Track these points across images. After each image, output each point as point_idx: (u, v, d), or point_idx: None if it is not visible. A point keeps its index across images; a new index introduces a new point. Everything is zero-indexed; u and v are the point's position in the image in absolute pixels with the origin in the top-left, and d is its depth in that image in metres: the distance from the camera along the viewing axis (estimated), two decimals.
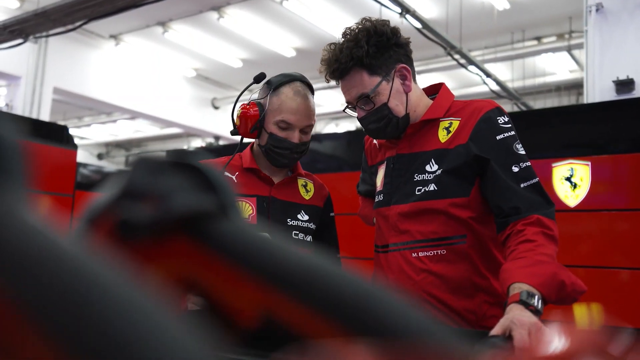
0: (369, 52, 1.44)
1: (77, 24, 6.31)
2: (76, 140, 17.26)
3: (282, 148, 1.62)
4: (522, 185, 1.38)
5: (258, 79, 1.69)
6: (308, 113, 1.64)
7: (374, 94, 1.47)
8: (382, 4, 5.82)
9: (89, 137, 16.30)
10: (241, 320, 0.30)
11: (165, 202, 0.28)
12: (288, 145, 1.62)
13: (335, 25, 8.41)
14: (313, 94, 1.72)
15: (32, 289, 0.24)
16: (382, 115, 1.49)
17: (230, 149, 1.72)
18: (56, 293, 0.24)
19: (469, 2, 7.87)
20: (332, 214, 1.80)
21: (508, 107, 10.16)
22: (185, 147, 12.92)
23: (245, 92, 1.76)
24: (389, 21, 1.52)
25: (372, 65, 1.46)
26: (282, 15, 8.58)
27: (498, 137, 1.42)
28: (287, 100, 1.63)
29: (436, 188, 1.46)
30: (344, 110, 1.59)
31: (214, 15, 8.66)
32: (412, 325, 0.26)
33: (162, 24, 9.17)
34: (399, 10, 5.89)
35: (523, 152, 1.44)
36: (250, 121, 1.64)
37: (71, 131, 16.21)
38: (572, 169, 3.28)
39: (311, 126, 1.66)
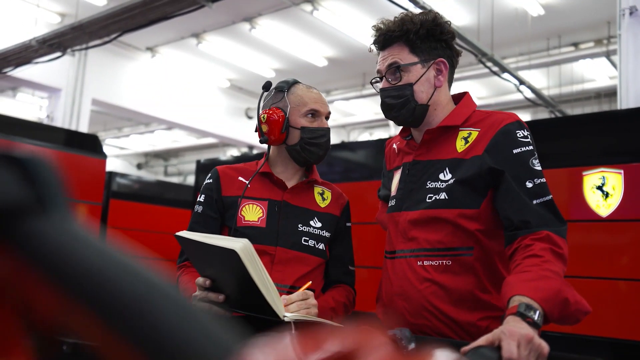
0: (419, 32, 1.48)
1: (113, 36, 6.47)
2: (116, 151, 17.60)
3: (319, 137, 1.66)
4: (534, 202, 1.35)
5: (266, 87, 1.72)
6: (326, 101, 1.73)
7: (405, 69, 1.50)
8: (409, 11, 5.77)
9: (128, 147, 16.70)
10: (46, 330, 0.28)
11: None
12: (322, 132, 1.67)
13: (366, 34, 8.40)
14: None
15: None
16: (403, 93, 1.50)
17: (261, 157, 1.77)
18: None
19: (501, 9, 7.74)
20: (348, 224, 1.78)
21: (544, 115, 9.92)
22: (220, 156, 13.09)
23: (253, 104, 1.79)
24: (450, 22, 1.56)
25: (415, 45, 1.50)
26: (313, 25, 8.63)
27: (515, 151, 1.40)
28: (306, 93, 1.69)
29: (447, 197, 1.43)
30: (370, 82, 1.62)
31: (246, 26, 8.77)
32: (194, 336, 0.24)
33: (196, 35, 9.34)
34: None
35: (539, 168, 1.40)
36: (279, 124, 1.66)
37: (111, 142, 16.63)
38: (603, 177, 3.16)
39: (329, 115, 1.73)
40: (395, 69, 1.50)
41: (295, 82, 1.72)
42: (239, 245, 1.19)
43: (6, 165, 0.28)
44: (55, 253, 0.26)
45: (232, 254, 1.18)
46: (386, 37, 1.51)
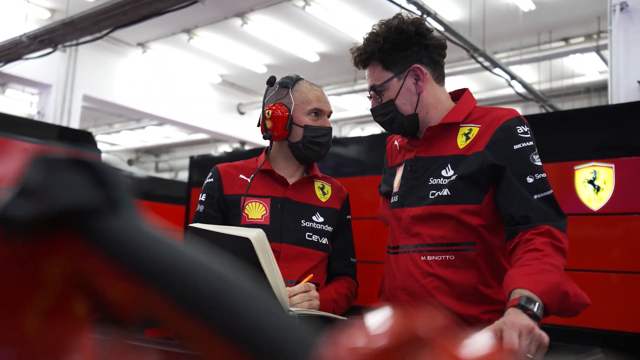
0: (383, 48, 1.50)
1: (104, 32, 6.43)
2: (106, 147, 17.41)
3: (321, 135, 1.68)
4: (535, 197, 1.37)
5: (271, 82, 1.74)
6: (328, 100, 1.75)
7: (382, 88, 1.53)
8: (402, 7, 5.80)
9: (119, 143, 16.61)
10: (125, 319, 0.30)
11: (47, 197, 0.28)
12: (325, 131, 1.69)
13: (358, 29, 8.41)
14: None
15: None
16: (388, 110, 1.54)
17: (255, 154, 1.77)
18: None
19: (493, 4, 7.78)
20: (348, 217, 1.80)
21: (535, 109, 9.99)
22: (212, 152, 13.05)
23: (257, 99, 1.80)
24: (421, 19, 1.55)
25: (385, 61, 1.52)
26: (305, 20, 8.62)
27: (515, 147, 1.42)
28: (310, 90, 1.71)
29: (449, 193, 1.46)
30: (368, 97, 1.64)
31: (237, 21, 8.75)
32: (274, 323, 0.26)
33: (188, 31, 9.30)
34: (419, 13, 5.85)
35: (539, 164, 1.42)
36: (283, 120, 1.67)
37: (102, 138, 16.51)
38: (595, 171, 3.18)
39: (331, 113, 1.75)
40: (374, 91, 1.55)
41: (299, 79, 1.73)
42: (253, 234, 1.21)
43: (78, 170, 0.30)
44: (130, 248, 0.29)
45: (245, 242, 1.20)
46: (361, 59, 1.56)
